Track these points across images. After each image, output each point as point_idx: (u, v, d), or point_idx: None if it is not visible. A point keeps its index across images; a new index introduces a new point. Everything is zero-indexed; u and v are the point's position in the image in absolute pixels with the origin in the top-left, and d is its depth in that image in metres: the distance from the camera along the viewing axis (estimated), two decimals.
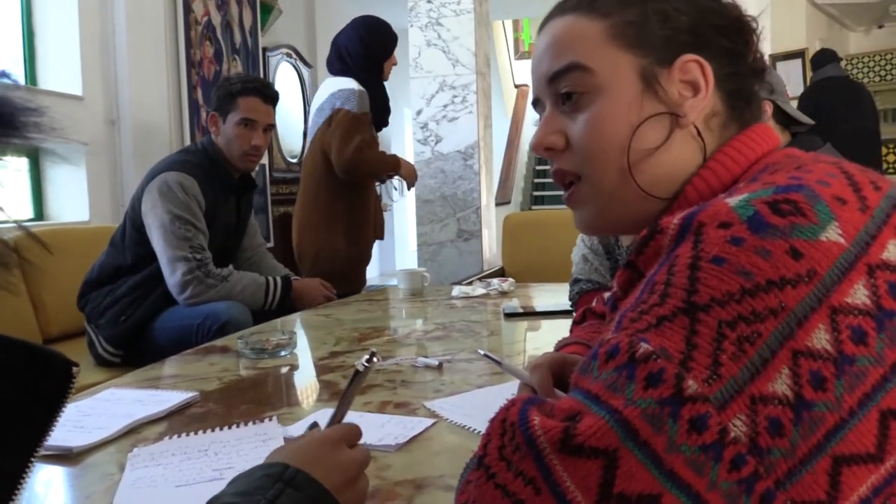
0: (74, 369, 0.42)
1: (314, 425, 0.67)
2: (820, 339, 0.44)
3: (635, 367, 0.45)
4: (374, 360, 0.67)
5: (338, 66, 2.69)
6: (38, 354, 0.41)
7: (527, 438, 0.46)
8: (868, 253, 0.46)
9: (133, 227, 2.09)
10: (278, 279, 2.16)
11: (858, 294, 0.45)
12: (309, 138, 2.71)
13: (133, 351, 2.06)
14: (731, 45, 0.64)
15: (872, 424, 0.44)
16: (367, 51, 2.67)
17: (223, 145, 2.14)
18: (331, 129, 2.54)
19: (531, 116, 9.61)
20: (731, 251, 0.46)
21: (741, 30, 0.65)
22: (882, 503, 0.44)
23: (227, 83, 2.18)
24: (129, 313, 2.06)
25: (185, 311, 2.01)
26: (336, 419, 0.65)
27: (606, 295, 1.04)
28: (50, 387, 0.42)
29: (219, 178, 2.13)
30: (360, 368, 0.66)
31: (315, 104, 2.71)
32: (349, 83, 2.60)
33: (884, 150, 6.67)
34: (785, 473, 0.43)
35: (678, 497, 0.43)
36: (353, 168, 2.52)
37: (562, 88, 0.64)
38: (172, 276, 2.00)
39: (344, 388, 0.67)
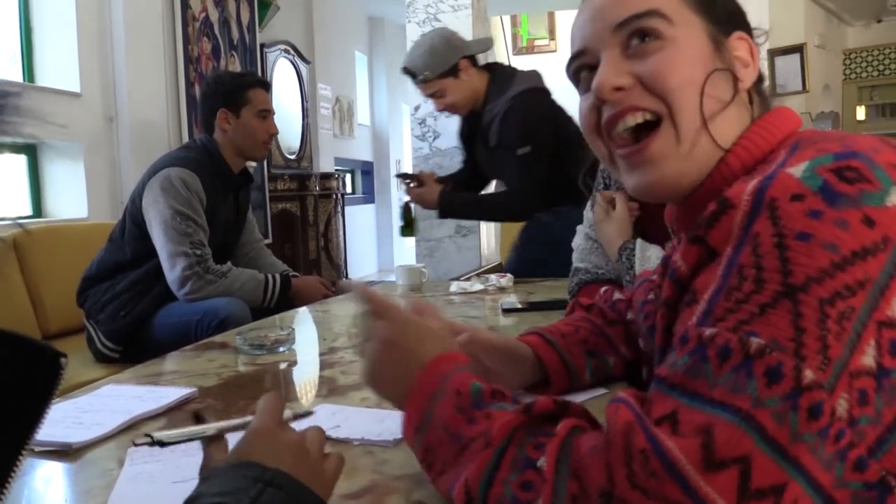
0: (63, 360, 0.43)
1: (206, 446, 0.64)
2: None
3: (752, 363, 0.46)
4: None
5: None
6: (27, 346, 0.41)
7: (667, 465, 0.45)
8: None
9: (133, 223, 2.10)
10: (277, 276, 2.17)
11: None
12: None
13: (132, 346, 2.07)
14: (749, 32, 0.71)
15: None
16: None
17: (237, 138, 2.17)
18: None
19: None
20: (813, 225, 0.47)
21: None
22: None
23: (225, 79, 2.22)
24: (129, 309, 2.06)
25: (185, 307, 2.02)
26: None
27: (617, 296, 1.05)
28: (39, 378, 0.42)
29: (219, 175, 2.15)
30: None
31: None
32: None
33: None
34: (875, 441, 0.45)
35: (798, 482, 0.44)
36: None
37: (627, 33, 0.65)
38: (172, 272, 2.01)
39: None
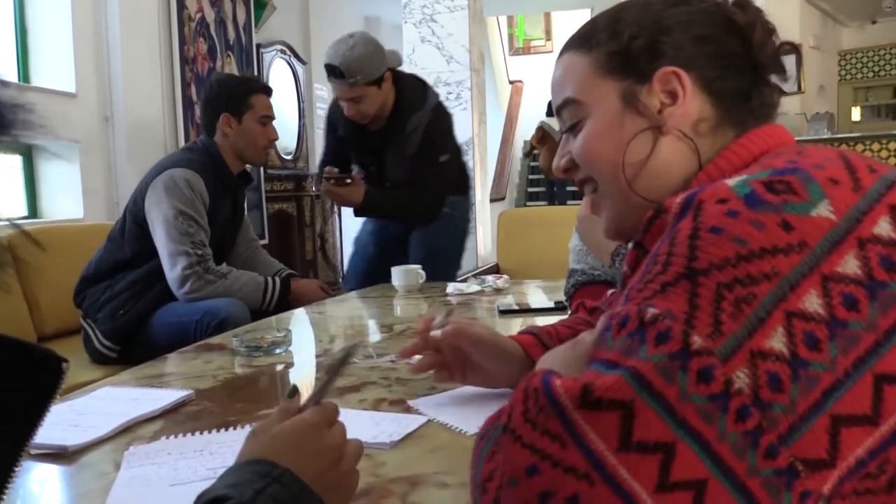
0: (64, 365, 0.43)
1: (294, 391, 0.67)
2: (812, 302, 0.47)
3: (645, 329, 0.48)
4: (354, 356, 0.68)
5: None
6: (29, 352, 0.42)
7: (550, 399, 0.49)
8: (859, 228, 0.49)
9: (134, 222, 2.10)
10: (277, 280, 2.18)
11: (849, 265, 0.48)
12: None
13: (131, 346, 2.06)
14: (718, 49, 0.68)
15: (867, 387, 0.47)
16: None
17: (238, 143, 2.18)
18: None
19: (525, 112, 9.60)
20: (728, 222, 0.50)
21: (734, 31, 0.69)
22: (878, 467, 0.47)
23: (229, 83, 2.23)
24: (128, 308, 2.07)
25: (184, 306, 2.02)
26: (314, 400, 0.65)
27: (610, 292, 1.06)
28: (40, 383, 0.42)
29: (220, 177, 2.17)
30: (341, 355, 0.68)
31: None
32: None
33: (877, 146, 6.70)
34: (787, 429, 0.45)
35: (690, 446, 0.45)
36: None
37: (563, 120, 0.74)
38: (172, 271, 2.01)
39: (327, 372, 0.69)
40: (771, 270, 0.48)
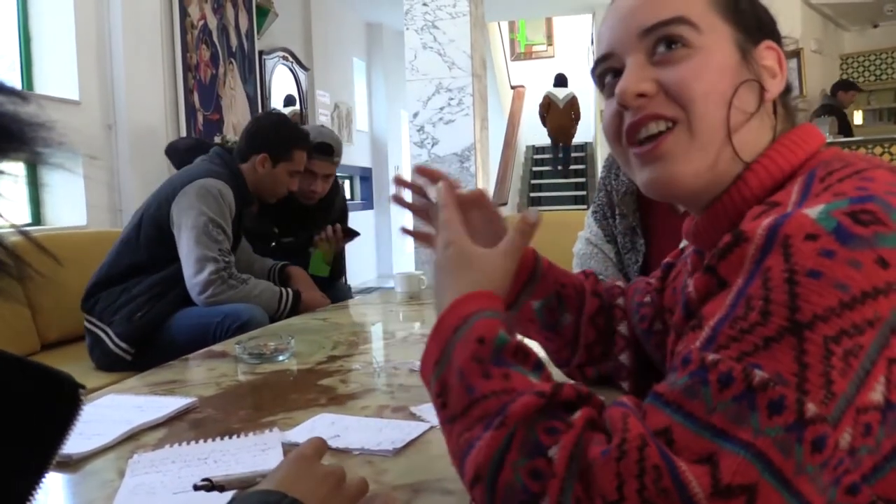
0: (81, 391, 0.43)
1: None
2: None
3: (755, 396, 0.47)
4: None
5: None
6: (47, 376, 0.41)
7: (678, 485, 0.46)
8: None
9: (155, 227, 2.13)
10: (290, 291, 2.22)
11: None
12: None
13: (147, 347, 2.07)
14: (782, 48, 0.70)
15: None
16: None
17: (262, 182, 2.27)
18: None
19: (527, 118, 9.61)
20: (826, 264, 0.48)
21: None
22: None
23: (280, 129, 2.30)
24: (146, 310, 2.09)
25: (205, 309, 2.05)
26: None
27: (619, 282, 1.04)
28: (59, 409, 0.42)
29: (239, 192, 2.21)
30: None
31: None
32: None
33: (879, 150, 6.70)
34: (870, 469, 0.47)
35: None
36: None
37: (662, 35, 0.65)
38: (199, 275, 2.04)
39: None
40: (874, 316, 0.47)
